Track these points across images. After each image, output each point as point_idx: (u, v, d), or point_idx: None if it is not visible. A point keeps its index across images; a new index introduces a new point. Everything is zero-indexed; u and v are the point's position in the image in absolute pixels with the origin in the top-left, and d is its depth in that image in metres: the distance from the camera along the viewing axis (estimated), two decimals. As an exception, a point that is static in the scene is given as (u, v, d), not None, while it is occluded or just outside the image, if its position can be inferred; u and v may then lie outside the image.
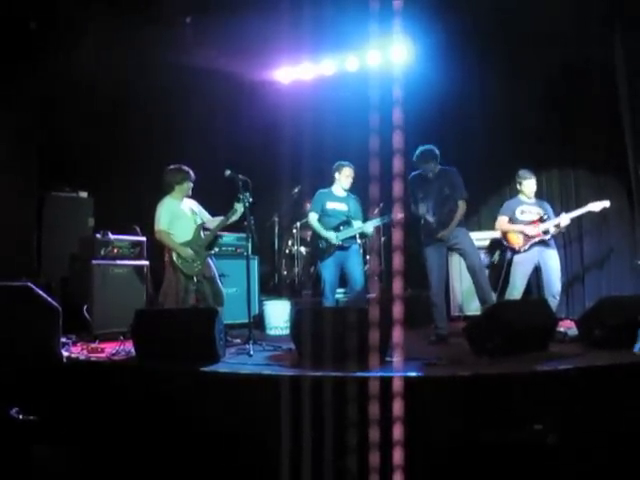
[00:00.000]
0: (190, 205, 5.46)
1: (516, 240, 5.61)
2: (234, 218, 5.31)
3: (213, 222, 5.44)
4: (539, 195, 6.03)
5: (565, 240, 6.87)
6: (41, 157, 6.34)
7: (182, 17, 6.71)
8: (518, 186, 5.80)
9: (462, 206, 5.36)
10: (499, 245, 5.87)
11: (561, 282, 5.61)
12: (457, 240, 5.31)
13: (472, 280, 5.32)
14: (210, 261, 5.38)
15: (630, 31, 6.11)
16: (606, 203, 5.61)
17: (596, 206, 5.61)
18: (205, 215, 5.53)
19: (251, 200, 5.13)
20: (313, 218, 5.72)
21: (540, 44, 6.58)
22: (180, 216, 5.31)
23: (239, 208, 5.23)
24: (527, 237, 5.57)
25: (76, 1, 5.96)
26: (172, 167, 5.37)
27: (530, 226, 5.61)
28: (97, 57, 6.20)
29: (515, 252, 5.61)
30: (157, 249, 5.49)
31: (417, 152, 5.35)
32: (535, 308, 4.76)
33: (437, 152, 5.36)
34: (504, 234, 5.72)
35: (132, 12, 6.07)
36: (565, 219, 5.58)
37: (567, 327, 5.20)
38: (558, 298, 5.47)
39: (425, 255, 5.32)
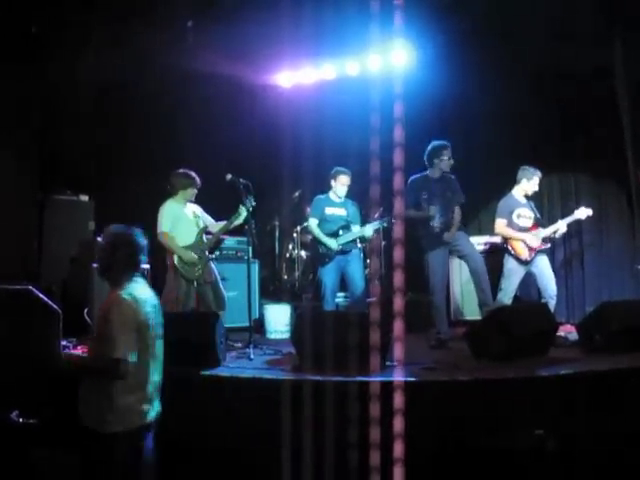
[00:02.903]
0: (193, 209, 5.45)
1: (522, 251, 5.47)
2: (238, 222, 5.30)
3: (216, 226, 5.43)
4: (540, 201, 6.03)
5: (565, 245, 6.88)
6: (42, 161, 6.34)
7: (184, 21, 6.72)
8: (525, 181, 5.59)
9: (458, 211, 5.42)
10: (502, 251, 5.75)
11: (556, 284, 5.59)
12: (458, 243, 5.34)
13: (474, 283, 5.31)
14: (212, 265, 5.37)
15: (630, 36, 6.13)
16: (589, 211, 5.63)
17: (582, 213, 5.62)
18: (208, 219, 5.50)
19: (254, 204, 5.14)
20: (313, 224, 5.73)
21: (540, 48, 6.60)
22: (183, 219, 5.29)
23: (243, 212, 5.22)
24: (531, 248, 5.48)
25: (77, 4, 5.97)
26: (180, 171, 5.35)
27: (531, 235, 5.51)
28: (98, 60, 6.20)
29: (520, 262, 5.47)
30: (160, 252, 5.49)
31: (441, 145, 5.40)
32: (536, 313, 4.76)
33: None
34: (508, 242, 5.53)
35: (133, 16, 6.08)
36: (563, 226, 5.58)
37: (568, 332, 5.21)
38: (555, 299, 5.46)
39: (428, 260, 5.32)
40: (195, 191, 5.38)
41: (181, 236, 5.24)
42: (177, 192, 5.33)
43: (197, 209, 5.49)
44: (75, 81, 6.18)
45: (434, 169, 5.42)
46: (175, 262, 5.16)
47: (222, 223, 5.39)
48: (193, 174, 5.36)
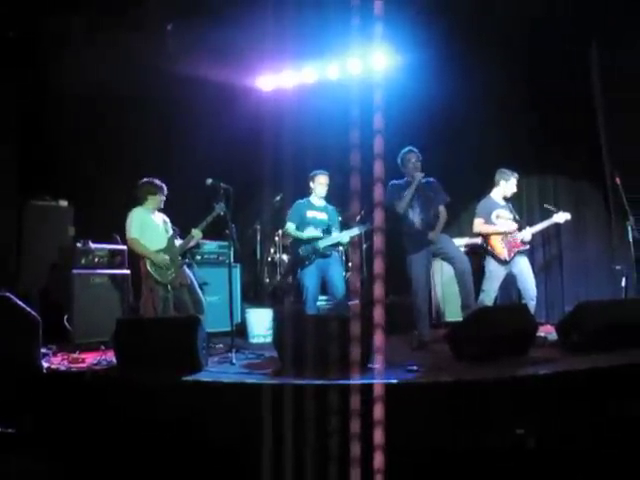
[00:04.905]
0: (163, 217, 5.47)
1: (501, 250, 5.53)
2: (192, 243, 5.40)
3: None
4: (519, 203, 6.09)
5: (544, 246, 6.96)
6: (21, 166, 6.28)
7: (163, 24, 6.70)
8: (503, 183, 5.69)
9: (443, 211, 5.43)
10: (482, 252, 5.81)
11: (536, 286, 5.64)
12: (441, 245, 5.35)
13: (459, 285, 5.30)
14: (186, 269, 5.36)
15: (606, 37, 6.24)
16: (567, 215, 5.67)
17: (560, 217, 5.66)
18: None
19: (225, 210, 5.13)
20: (291, 227, 5.72)
21: (520, 51, 6.69)
22: (151, 226, 5.30)
23: (197, 235, 5.33)
24: (510, 247, 5.54)
25: (56, 9, 5.92)
26: (145, 180, 5.38)
27: (510, 232, 5.60)
28: (78, 65, 6.15)
29: (500, 262, 5.53)
30: (132, 259, 5.46)
31: (403, 152, 5.44)
32: (516, 313, 4.81)
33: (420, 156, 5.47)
34: (488, 241, 5.60)
35: (113, 19, 6.05)
36: (528, 234, 5.62)
37: (547, 332, 5.27)
38: (535, 300, 5.52)
39: (410, 262, 5.31)
40: (162, 199, 5.40)
41: (151, 242, 5.24)
42: (144, 201, 5.35)
43: (166, 218, 5.50)
44: (54, 85, 6.12)
45: (408, 176, 5.46)
46: (148, 267, 5.14)
47: (180, 242, 5.41)
48: (159, 182, 5.38)
